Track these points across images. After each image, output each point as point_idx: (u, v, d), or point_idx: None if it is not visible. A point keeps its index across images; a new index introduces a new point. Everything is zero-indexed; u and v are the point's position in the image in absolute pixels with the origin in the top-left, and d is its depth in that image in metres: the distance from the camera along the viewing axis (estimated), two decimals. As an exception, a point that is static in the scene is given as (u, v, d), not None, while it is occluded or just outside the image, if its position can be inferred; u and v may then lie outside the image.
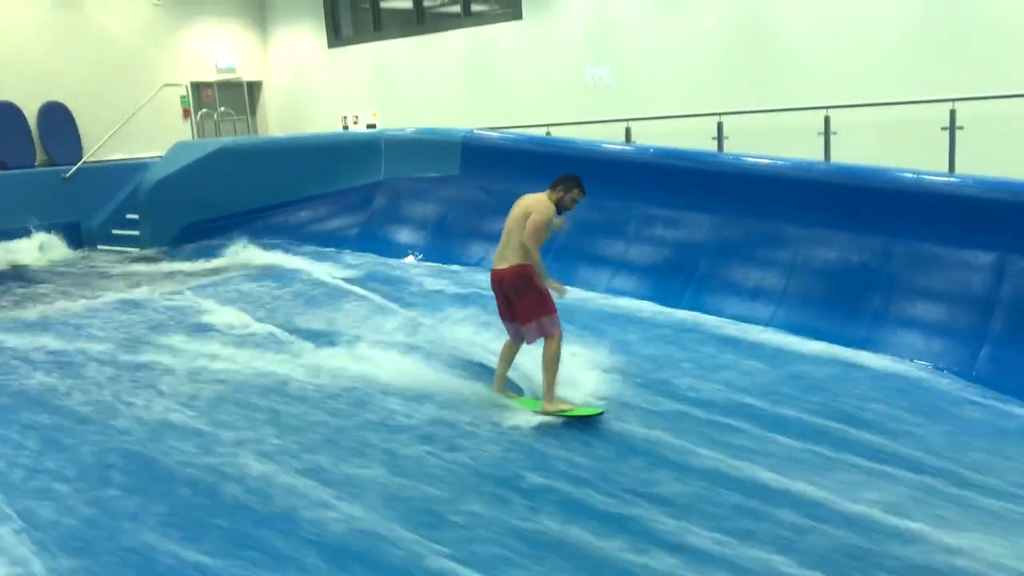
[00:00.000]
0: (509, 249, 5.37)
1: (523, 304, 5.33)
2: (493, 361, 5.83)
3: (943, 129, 9.14)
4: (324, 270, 9.55)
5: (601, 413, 5.29)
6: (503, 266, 5.38)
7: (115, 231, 12.41)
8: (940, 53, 10.19)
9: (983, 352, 5.98)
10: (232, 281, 9.37)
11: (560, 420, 5.21)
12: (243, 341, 7.04)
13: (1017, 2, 9.64)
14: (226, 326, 7.51)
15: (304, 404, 5.60)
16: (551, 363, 5.27)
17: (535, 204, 5.34)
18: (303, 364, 6.35)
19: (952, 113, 9.10)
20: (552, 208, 5.33)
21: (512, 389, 5.73)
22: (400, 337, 6.89)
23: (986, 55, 9.87)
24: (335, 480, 4.49)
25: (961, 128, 9.07)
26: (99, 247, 12.36)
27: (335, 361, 6.38)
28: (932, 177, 6.89)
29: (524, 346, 5.57)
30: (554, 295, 5.42)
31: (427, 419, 5.29)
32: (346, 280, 9.07)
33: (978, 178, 6.65)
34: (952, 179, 6.96)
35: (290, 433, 5.14)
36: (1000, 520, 4.05)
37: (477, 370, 6.09)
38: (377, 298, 8.28)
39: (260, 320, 7.63)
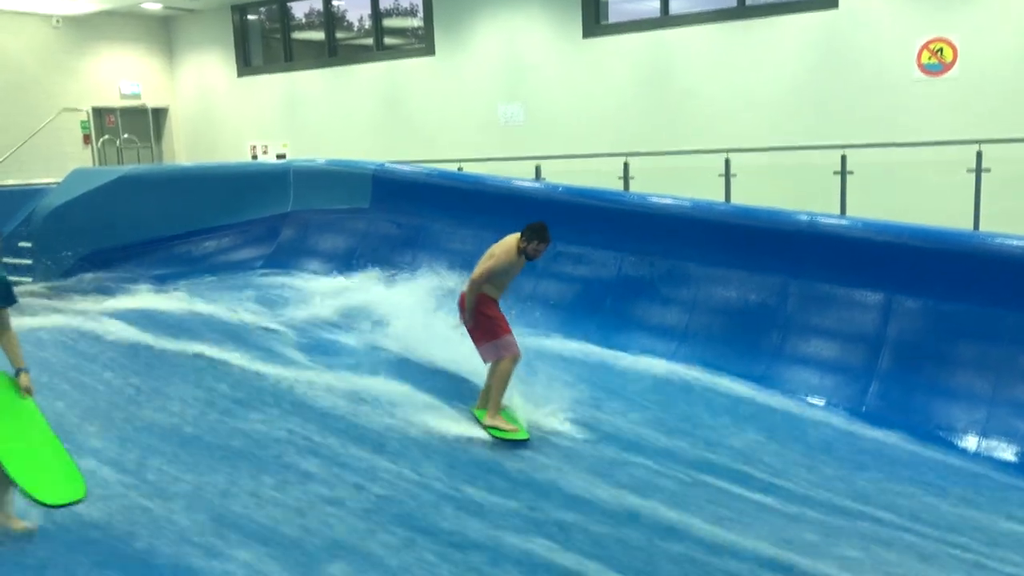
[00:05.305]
0: (467, 282, 5.91)
1: (475, 329, 5.85)
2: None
3: (835, 173, 9.59)
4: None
5: (527, 439, 5.62)
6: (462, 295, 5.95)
7: (5, 259, 11.84)
8: (832, 102, 10.75)
9: (872, 388, 6.25)
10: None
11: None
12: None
13: (901, 57, 10.25)
14: None
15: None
16: (498, 381, 5.75)
17: (500, 248, 5.85)
18: None
19: (843, 159, 9.55)
20: (514, 254, 5.80)
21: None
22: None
23: (874, 104, 10.44)
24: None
25: (851, 173, 9.52)
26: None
27: None
28: (825, 219, 7.20)
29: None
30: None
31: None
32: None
33: (866, 220, 6.99)
34: (843, 221, 7.30)
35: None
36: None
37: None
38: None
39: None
